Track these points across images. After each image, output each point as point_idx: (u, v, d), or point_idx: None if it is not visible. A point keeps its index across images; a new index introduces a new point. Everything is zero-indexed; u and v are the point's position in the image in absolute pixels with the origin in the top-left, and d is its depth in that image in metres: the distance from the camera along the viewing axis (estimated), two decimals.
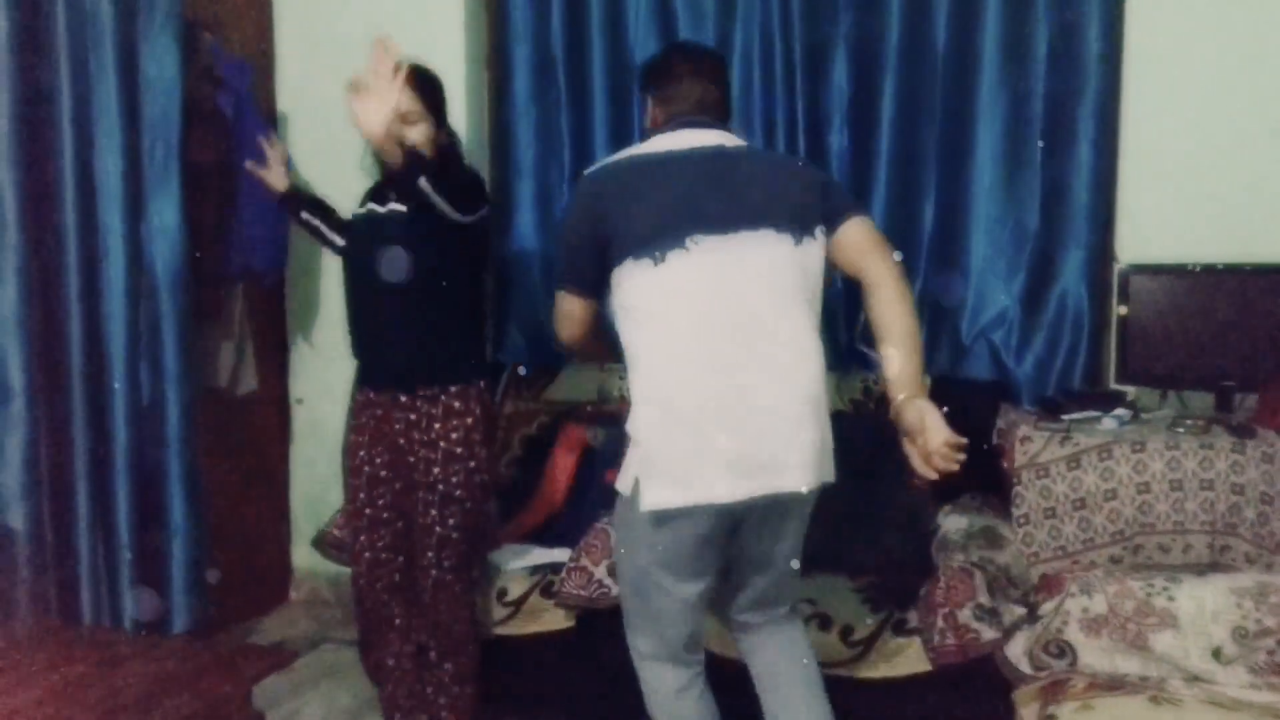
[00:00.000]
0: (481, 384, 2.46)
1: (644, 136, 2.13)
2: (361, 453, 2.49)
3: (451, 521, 2.41)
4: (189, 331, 2.89)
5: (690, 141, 2.01)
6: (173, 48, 2.80)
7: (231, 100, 3.09)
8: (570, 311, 2.05)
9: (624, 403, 3.15)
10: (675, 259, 1.88)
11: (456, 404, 2.40)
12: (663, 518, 1.89)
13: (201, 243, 2.99)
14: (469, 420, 2.41)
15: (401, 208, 2.38)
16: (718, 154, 2.00)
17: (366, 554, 2.49)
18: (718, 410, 1.85)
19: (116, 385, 2.79)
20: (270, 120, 3.43)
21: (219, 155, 3.09)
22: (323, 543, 2.98)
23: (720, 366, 1.86)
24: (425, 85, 2.38)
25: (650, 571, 1.95)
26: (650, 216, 1.90)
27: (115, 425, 2.80)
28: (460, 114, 3.35)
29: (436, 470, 2.39)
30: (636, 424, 1.92)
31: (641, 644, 2.06)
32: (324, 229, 2.77)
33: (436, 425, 2.39)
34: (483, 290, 2.55)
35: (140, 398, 2.83)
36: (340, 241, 2.67)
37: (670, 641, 2.02)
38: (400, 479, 2.46)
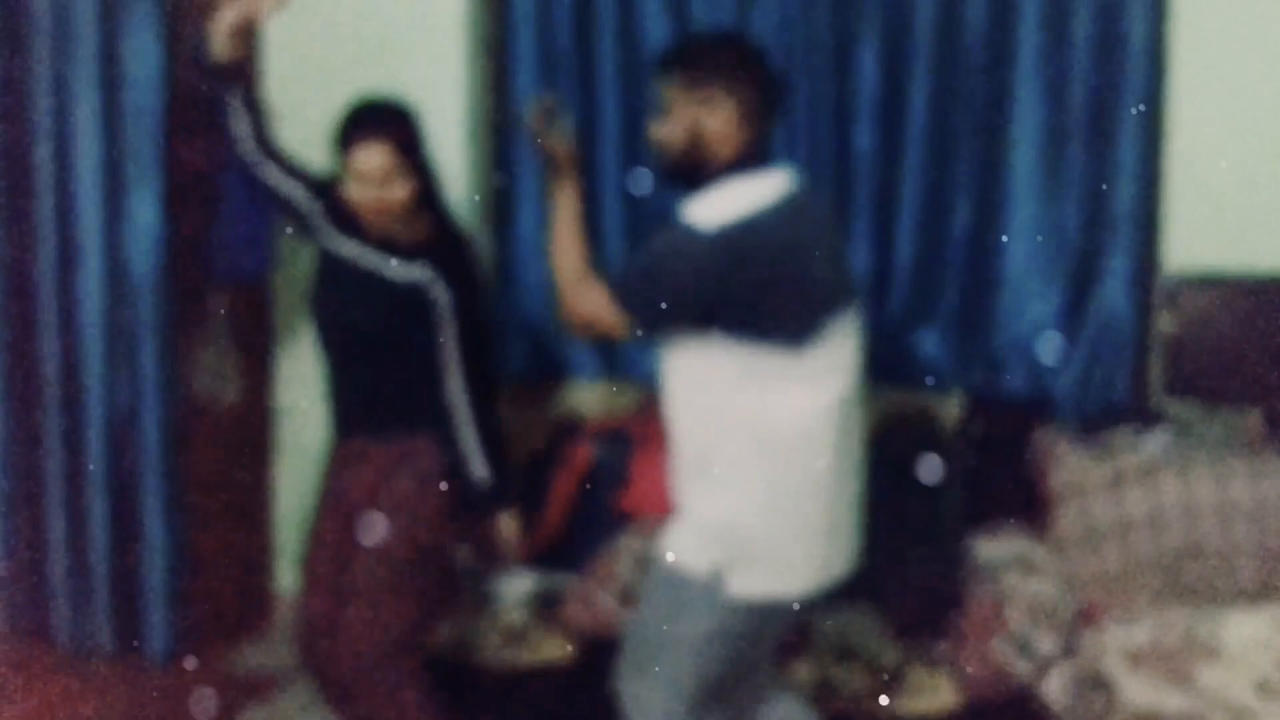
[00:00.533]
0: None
1: (704, 143, 1.95)
2: (335, 483, 2.49)
3: (383, 601, 2.35)
4: (169, 338, 2.92)
5: (784, 187, 1.96)
6: (154, 42, 2.83)
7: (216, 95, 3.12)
8: (610, 326, 1.95)
9: (631, 419, 3.20)
10: (812, 348, 1.88)
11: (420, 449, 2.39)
12: (753, 611, 1.91)
13: (182, 243, 3.03)
14: (424, 469, 2.39)
15: (404, 268, 2.36)
16: (811, 205, 2.04)
17: (319, 570, 2.47)
18: (836, 491, 1.94)
19: (92, 393, 2.82)
20: None
21: (202, 153, 3.13)
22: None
23: (843, 464, 1.96)
24: (403, 137, 2.33)
25: (721, 664, 1.95)
26: (789, 299, 1.88)
27: (90, 437, 2.83)
28: (459, 109, 3.40)
29: (395, 518, 2.37)
30: (729, 505, 1.90)
31: None
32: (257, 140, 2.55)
33: (389, 479, 2.39)
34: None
35: (117, 408, 2.86)
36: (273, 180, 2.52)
37: None
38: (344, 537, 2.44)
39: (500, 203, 3.56)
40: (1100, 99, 3.00)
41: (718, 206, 1.89)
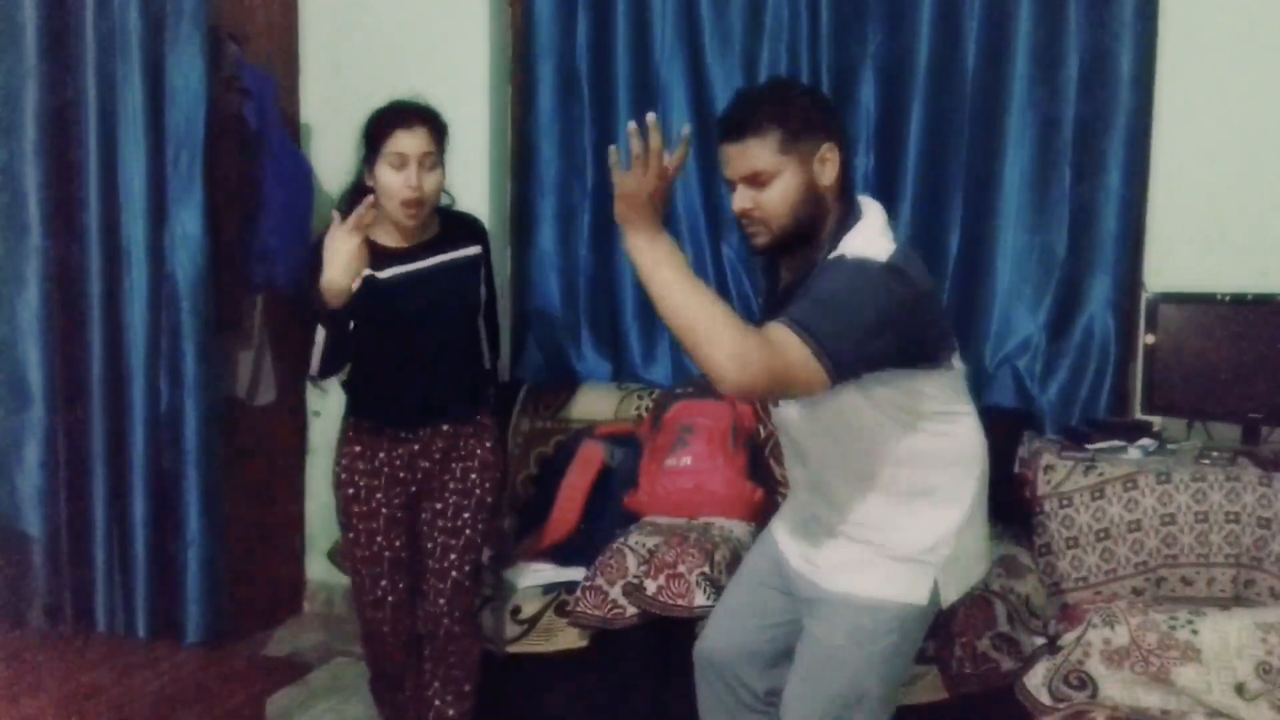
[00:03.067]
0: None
1: (822, 198, 1.77)
2: (380, 495, 2.46)
3: (467, 568, 2.46)
4: (208, 341, 2.93)
5: (881, 211, 1.83)
6: (198, 58, 2.84)
7: (256, 111, 3.13)
8: (808, 379, 1.59)
9: (641, 422, 3.20)
10: (954, 359, 1.83)
11: (489, 442, 2.49)
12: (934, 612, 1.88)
13: (222, 252, 3.03)
14: (492, 464, 2.49)
15: (450, 257, 2.42)
16: None
17: (390, 599, 2.46)
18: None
19: (135, 393, 2.83)
20: (294, 133, 3.48)
21: (242, 166, 3.13)
22: (337, 555, 3.00)
23: None
24: (441, 127, 2.35)
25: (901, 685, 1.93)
26: (942, 317, 1.83)
27: (133, 433, 2.84)
28: (484, 129, 3.40)
29: (466, 516, 2.46)
30: (940, 526, 1.83)
31: None
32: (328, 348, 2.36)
33: (454, 465, 2.46)
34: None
35: (159, 406, 2.87)
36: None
37: None
38: (411, 518, 2.49)
39: (520, 218, 3.55)
40: (1088, 129, 2.99)
41: (875, 239, 1.72)
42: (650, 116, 1.65)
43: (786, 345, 1.57)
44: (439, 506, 2.48)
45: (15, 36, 2.59)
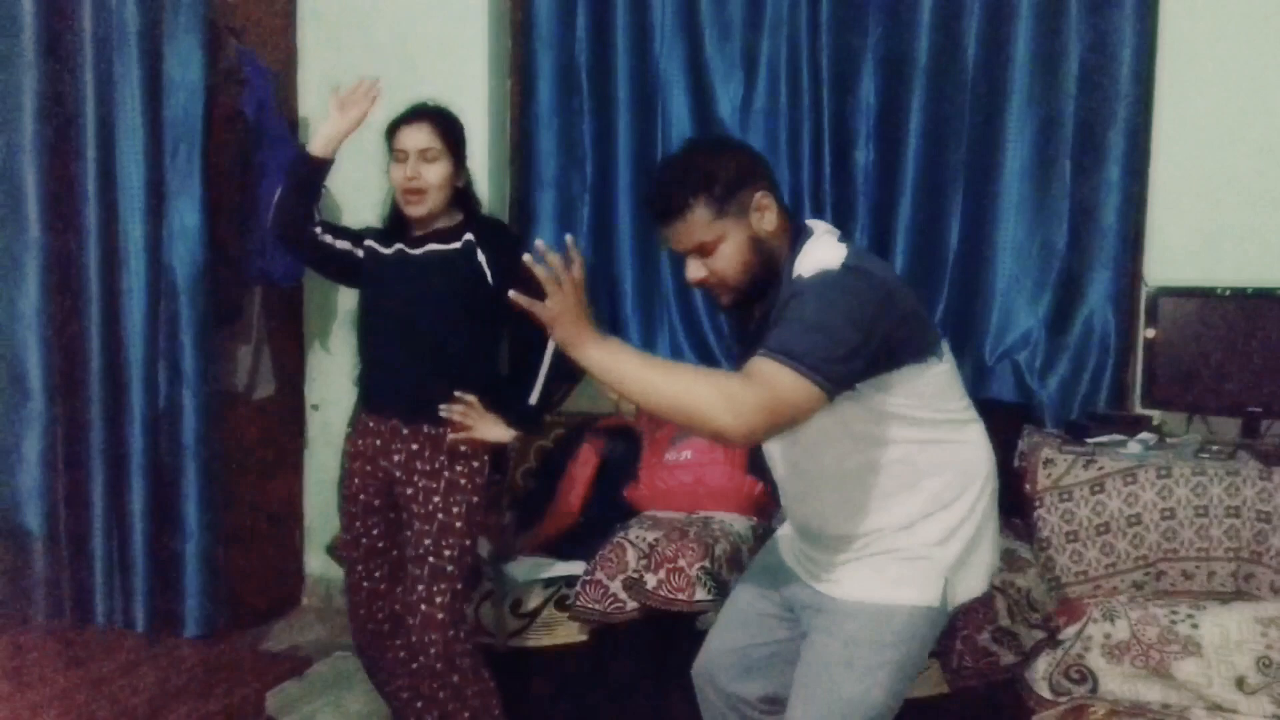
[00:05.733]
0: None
1: (768, 244, 1.77)
2: (356, 480, 2.49)
3: (447, 554, 2.39)
4: (207, 334, 2.92)
5: (831, 230, 1.83)
6: (197, 50, 2.84)
7: (254, 104, 3.13)
8: (802, 406, 1.59)
9: (641, 416, 3.20)
10: (943, 349, 1.80)
11: (463, 448, 2.39)
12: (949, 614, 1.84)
13: (221, 246, 3.03)
14: (475, 464, 2.41)
15: (443, 247, 2.41)
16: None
17: (365, 584, 2.51)
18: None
19: (134, 386, 2.82)
20: (292, 126, 3.47)
21: (240, 159, 3.12)
22: (336, 549, 3.00)
23: None
24: (445, 124, 2.41)
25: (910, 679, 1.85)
26: (916, 306, 1.77)
27: (132, 427, 2.83)
28: (482, 124, 3.39)
29: (436, 500, 2.39)
30: (947, 522, 1.79)
31: None
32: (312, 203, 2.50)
33: (442, 457, 2.39)
34: (499, 340, 2.54)
35: (157, 399, 2.86)
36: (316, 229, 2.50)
37: None
38: (390, 509, 2.48)
39: (520, 212, 3.55)
40: (1088, 123, 2.99)
41: (825, 250, 1.73)
42: (569, 237, 1.73)
43: (772, 375, 1.58)
44: (408, 534, 2.43)
45: (13, 30, 2.58)
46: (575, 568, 2.70)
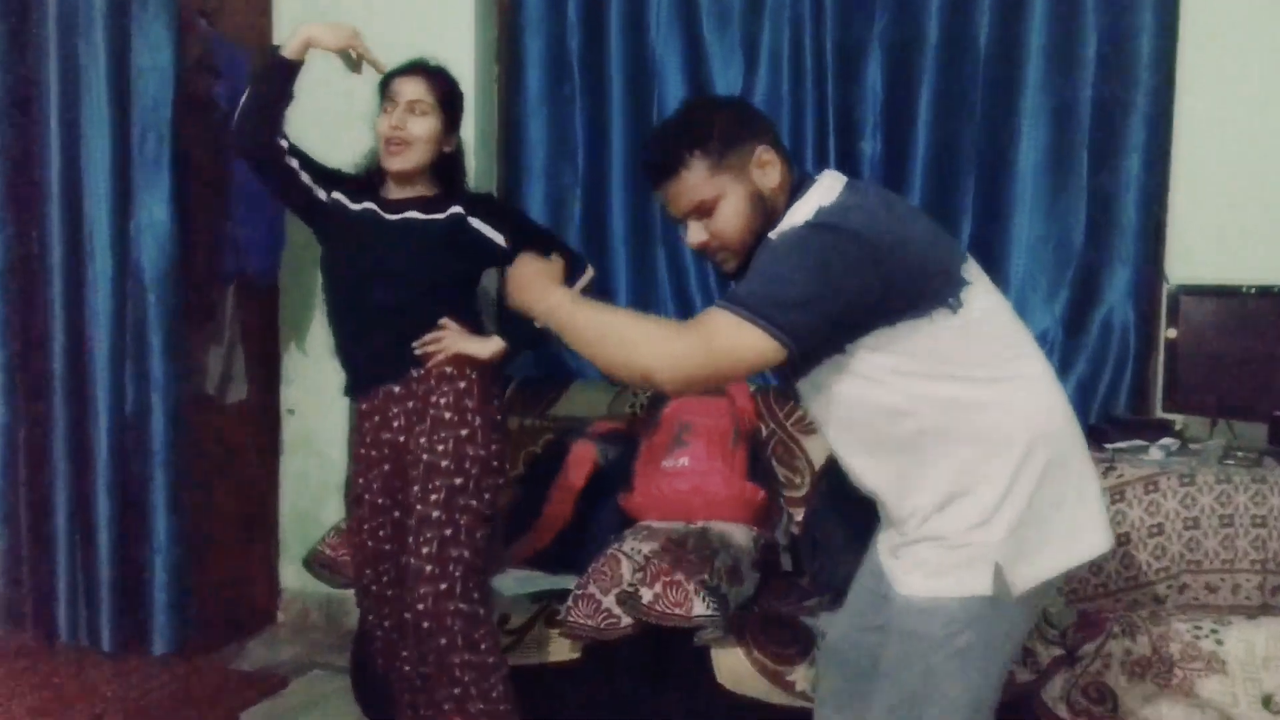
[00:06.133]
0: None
1: (772, 201, 1.77)
2: (360, 480, 2.51)
3: (434, 498, 2.37)
4: (177, 335, 2.91)
5: (841, 182, 1.78)
6: (167, 35, 2.83)
7: (227, 92, 3.11)
8: (760, 357, 1.63)
9: (635, 419, 3.19)
10: (965, 300, 1.70)
11: (449, 369, 2.41)
12: (1027, 598, 1.71)
13: (192, 241, 3.02)
14: (461, 385, 2.42)
15: (424, 218, 2.43)
16: (886, 192, 1.86)
17: (373, 588, 2.52)
18: (1077, 436, 1.76)
19: (99, 390, 2.82)
20: None
21: (213, 149, 3.12)
22: (313, 563, 2.99)
23: (1058, 387, 1.78)
24: (440, 80, 2.45)
25: (997, 687, 1.77)
26: (914, 251, 1.69)
27: (97, 433, 2.82)
28: (469, 109, 3.36)
29: (423, 440, 2.40)
30: (985, 501, 1.69)
31: None
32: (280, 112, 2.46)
33: (430, 397, 2.41)
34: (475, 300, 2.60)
35: (124, 404, 2.85)
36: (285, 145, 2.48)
37: None
38: (400, 507, 2.48)
39: (510, 198, 3.54)
40: (1106, 112, 2.99)
41: (803, 207, 1.72)
42: None
43: (712, 320, 1.63)
44: (415, 489, 2.42)
45: None
46: (566, 581, 2.68)
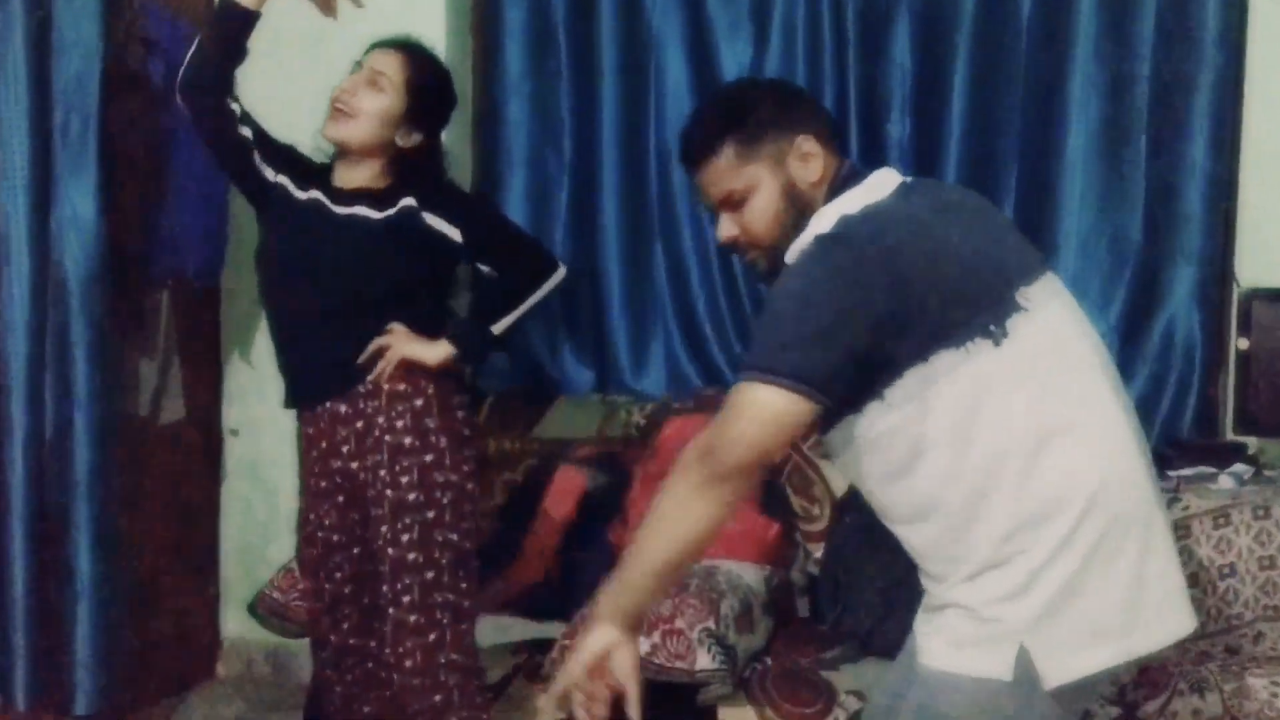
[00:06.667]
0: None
1: (807, 197, 1.76)
2: (312, 515, 2.49)
3: (406, 538, 2.36)
4: (104, 346, 2.90)
5: (897, 180, 1.78)
6: (93, 4, 2.82)
7: (163, 67, 3.11)
8: (784, 419, 1.59)
9: (630, 442, 3.18)
10: (1011, 328, 1.65)
11: (402, 386, 2.40)
12: (1065, 695, 1.66)
13: (122, 239, 3.01)
14: (418, 403, 2.41)
15: (372, 214, 2.43)
16: (937, 186, 1.88)
17: (332, 637, 2.50)
18: (1146, 503, 1.70)
19: (14, 409, 2.80)
20: None
21: (146, 133, 3.11)
22: (260, 608, 2.98)
23: (1129, 443, 1.71)
24: (418, 65, 2.48)
25: None
26: (967, 276, 1.66)
27: (11, 458, 2.80)
28: None
29: (383, 473, 2.38)
30: (1020, 568, 1.64)
31: None
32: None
33: (380, 419, 2.39)
34: (446, 305, 2.63)
35: (43, 425, 2.83)
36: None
37: None
38: (359, 543, 2.46)
39: (487, 190, 3.53)
40: (1166, 92, 3.01)
41: (821, 219, 1.71)
42: None
43: (736, 400, 1.61)
44: (384, 530, 2.40)
45: None
46: (550, 630, 2.68)
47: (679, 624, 2.44)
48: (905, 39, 3.17)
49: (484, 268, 2.59)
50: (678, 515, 1.64)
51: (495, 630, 2.77)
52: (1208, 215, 2.98)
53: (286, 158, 2.54)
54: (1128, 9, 3.01)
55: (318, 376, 2.46)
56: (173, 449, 3.42)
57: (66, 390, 2.85)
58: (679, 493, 1.63)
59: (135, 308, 3.19)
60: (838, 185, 1.77)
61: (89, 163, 2.84)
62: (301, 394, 2.50)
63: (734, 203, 1.77)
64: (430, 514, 2.38)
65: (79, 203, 2.84)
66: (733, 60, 3.30)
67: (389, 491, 2.37)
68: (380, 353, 2.39)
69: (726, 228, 1.80)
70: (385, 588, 2.38)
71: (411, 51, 2.49)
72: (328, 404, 2.44)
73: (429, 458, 2.39)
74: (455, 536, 2.40)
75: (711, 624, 2.45)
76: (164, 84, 3.11)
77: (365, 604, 2.48)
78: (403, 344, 2.39)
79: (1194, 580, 2.50)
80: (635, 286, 3.44)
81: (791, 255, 1.73)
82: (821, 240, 1.66)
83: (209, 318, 3.55)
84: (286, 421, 2.75)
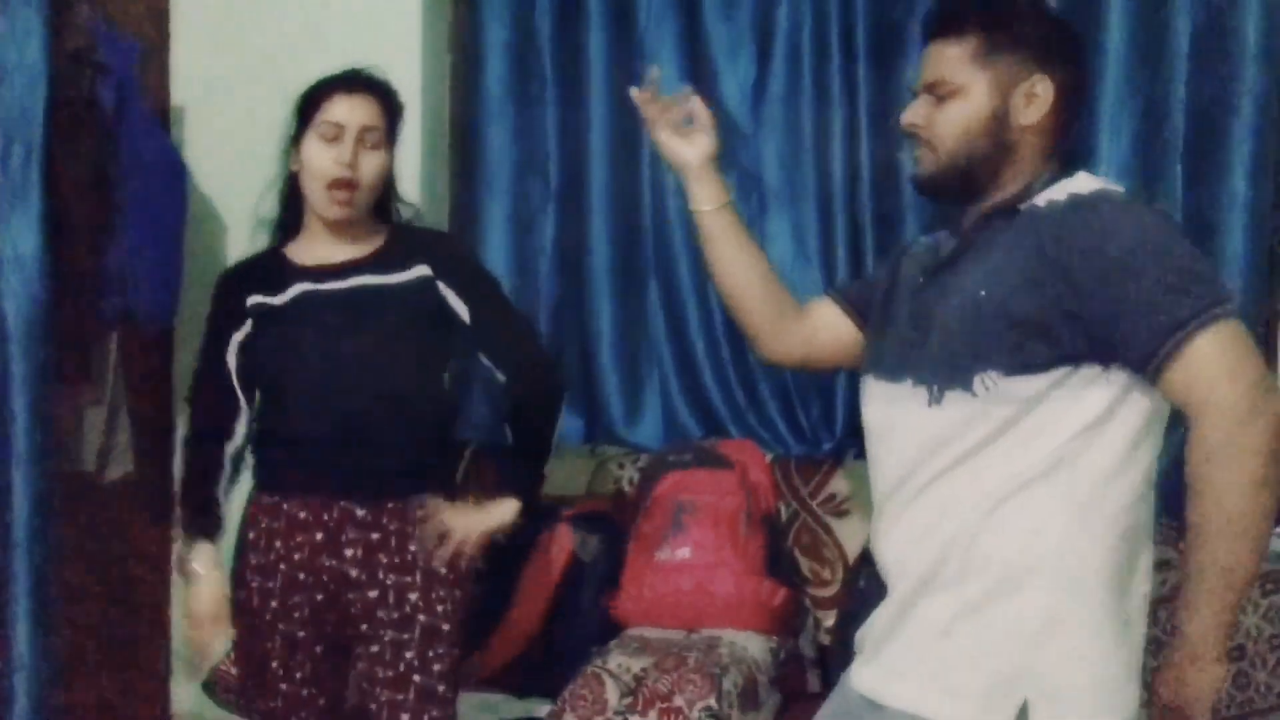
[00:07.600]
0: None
1: (1009, 136, 1.79)
2: (272, 601, 2.42)
3: (437, 668, 2.36)
4: (45, 397, 2.89)
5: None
6: (37, 22, 2.82)
7: (114, 90, 3.12)
8: (1249, 344, 1.68)
9: (623, 499, 3.17)
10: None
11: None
12: None
13: (67, 277, 3.01)
14: (444, 578, 2.40)
15: (383, 279, 2.40)
16: None
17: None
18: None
19: None
20: (162, 115, 3.47)
21: (95, 164, 3.12)
22: (216, 686, 2.97)
23: None
24: (390, 103, 2.43)
25: None
26: None
27: None
28: (414, 113, 3.37)
29: (413, 596, 2.35)
30: (1031, 603, 1.75)
31: None
32: None
33: (406, 539, 2.36)
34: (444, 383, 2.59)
35: None
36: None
37: None
38: (326, 642, 2.42)
39: (463, 227, 3.55)
40: (1203, 118, 3.03)
41: (1077, 182, 1.77)
42: None
43: (1232, 345, 1.64)
44: (374, 649, 2.37)
45: None
46: (536, 707, 2.69)
47: (678, 701, 2.45)
48: (918, 54, 3.18)
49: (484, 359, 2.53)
50: (1264, 504, 1.67)
51: (477, 708, 2.78)
52: (1250, 253, 2.98)
53: (235, 311, 2.48)
54: (1160, 29, 3.03)
55: (343, 484, 2.38)
56: (120, 509, 3.41)
57: (4, 443, 2.85)
58: (1255, 471, 1.66)
59: (81, 354, 3.19)
60: (1059, 156, 1.82)
61: (31, 196, 2.83)
62: (311, 492, 2.41)
63: (939, 93, 1.80)
64: (449, 635, 2.39)
65: (20, 240, 2.83)
66: (733, 81, 3.34)
67: (422, 617, 2.36)
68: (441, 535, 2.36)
69: (913, 112, 1.83)
70: (373, 706, 2.37)
71: (379, 88, 2.42)
72: (342, 503, 2.38)
73: (459, 594, 2.41)
74: (446, 626, 2.39)
75: (713, 702, 2.46)
76: (114, 111, 3.14)
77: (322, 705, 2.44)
78: (473, 521, 2.38)
79: (1241, 652, 2.49)
80: (627, 327, 3.47)
81: (1068, 197, 1.73)
82: (1123, 198, 1.74)
83: (161, 363, 3.55)
84: (244, 480, 2.76)
